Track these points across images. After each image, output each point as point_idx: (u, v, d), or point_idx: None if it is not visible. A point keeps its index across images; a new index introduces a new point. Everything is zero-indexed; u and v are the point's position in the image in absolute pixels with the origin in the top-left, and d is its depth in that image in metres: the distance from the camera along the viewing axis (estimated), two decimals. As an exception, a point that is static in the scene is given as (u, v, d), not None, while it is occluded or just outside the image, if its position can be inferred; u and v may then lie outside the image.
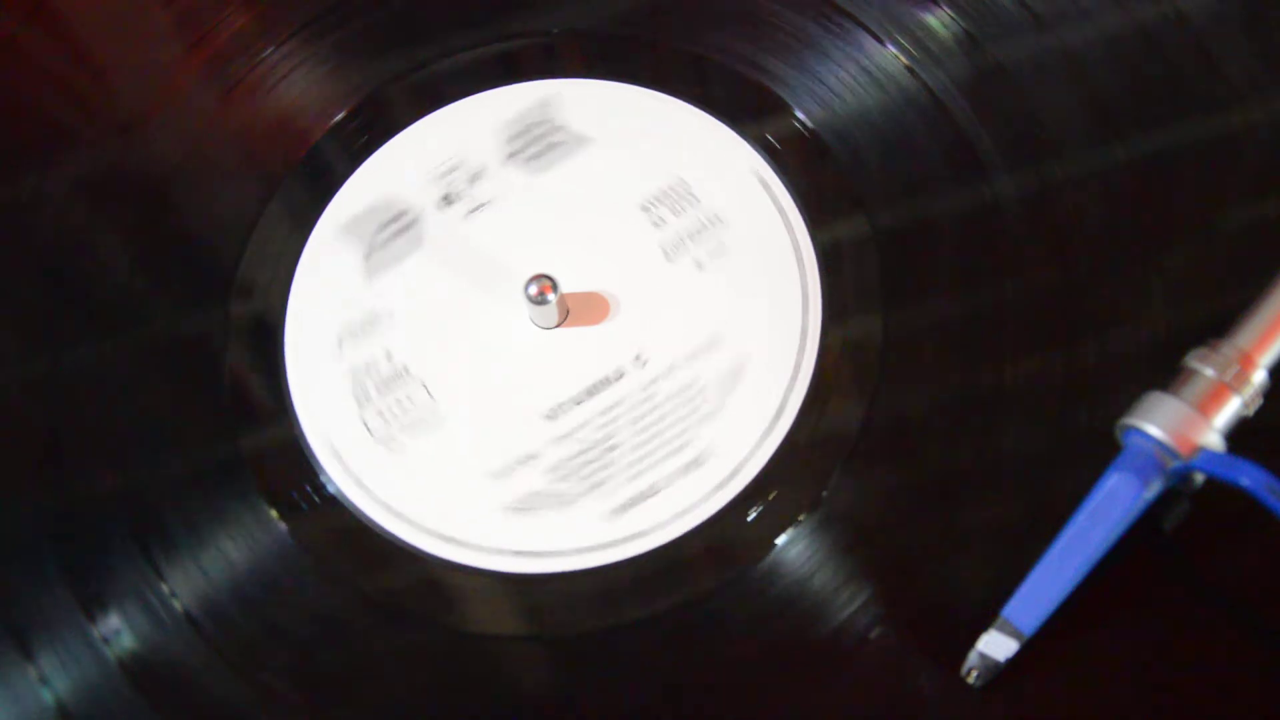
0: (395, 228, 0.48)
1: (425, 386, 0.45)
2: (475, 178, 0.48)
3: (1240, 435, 0.39)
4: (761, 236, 0.46)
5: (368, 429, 0.45)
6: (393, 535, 0.43)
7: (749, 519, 0.42)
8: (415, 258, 0.47)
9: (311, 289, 0.47)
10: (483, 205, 0.48)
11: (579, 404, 0.44)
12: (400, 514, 0.43)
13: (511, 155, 0.48)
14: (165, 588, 0.43)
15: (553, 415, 0.44)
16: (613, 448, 0.44)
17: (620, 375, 0.45)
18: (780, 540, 0.42)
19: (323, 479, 0.44)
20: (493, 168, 0.48)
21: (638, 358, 0.45)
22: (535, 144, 0.49)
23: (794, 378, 0.44)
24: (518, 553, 0.42)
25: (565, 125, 0.49)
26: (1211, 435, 0.39)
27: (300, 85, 0.51)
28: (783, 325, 0.45)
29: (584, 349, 0.45)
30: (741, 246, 0.46)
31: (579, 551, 0.42)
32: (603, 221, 0.47)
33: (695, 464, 0.43)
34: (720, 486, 0.43)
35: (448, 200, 0.48)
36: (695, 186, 0.47)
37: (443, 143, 0.49)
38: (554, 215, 0.47)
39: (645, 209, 0.47)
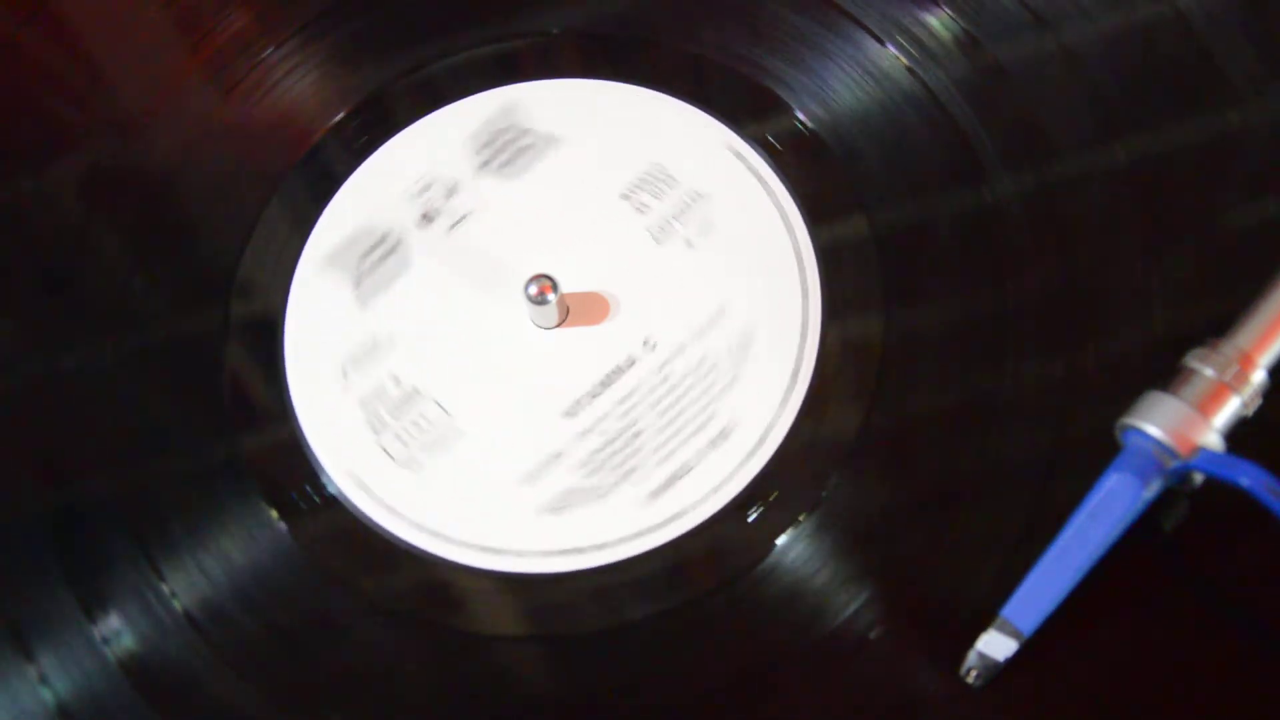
0: (384, 249, 0.47)
1: (436, 398, 0.45)
2: (466, 188, 0.48)
3: (1240, 435, 0.39)
4: (761, 238, 0.46)
5: (371, 428, 0.45)
6: (394, 536, 0.43)
7: (749, 520, 0.42)
8: (411, 265, 0.47)
9: (311, 291, 0.47)
10: (480, 213, 0.48)
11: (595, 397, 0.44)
12: (400, 514, 0.43)
13: (503, 164, 0.48)
14: (166, 588, 0.43)
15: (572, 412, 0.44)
16: (637, 434, 0.44)
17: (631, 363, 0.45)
18: (780, 540, 0.42)
19: (323, 479, 0.44)
20: (487, 177, 0.48)
21: (646, 344, 0.45)
22: (527, 149, 0.49)
23: (794, 378, 0.44)
24: (514, 553, 0.42)
25: (565, 128, 0.49)
26: (1211, 435, 0.39)
27: (300, 86, 0.51)
28: (782, 326, 0.45)
29: (586, 347, 0.45)
30: (741, 248, 0.46)
31: (580, 552, 0.42)
32: (602, 222, 0.47)
33: (715, 443, 0.43)
34: (720, 487, 0.43)
35: (427, 219, 0.48)
36: (695, 188, 0.47)
37: (434, 149, 0.49)
38: (553, 217, 0.47)
39: (645, 209, 0.47)
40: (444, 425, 0.44)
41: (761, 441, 0.43)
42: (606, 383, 0.45)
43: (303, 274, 0.47)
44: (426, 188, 0.48)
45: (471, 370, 0.45)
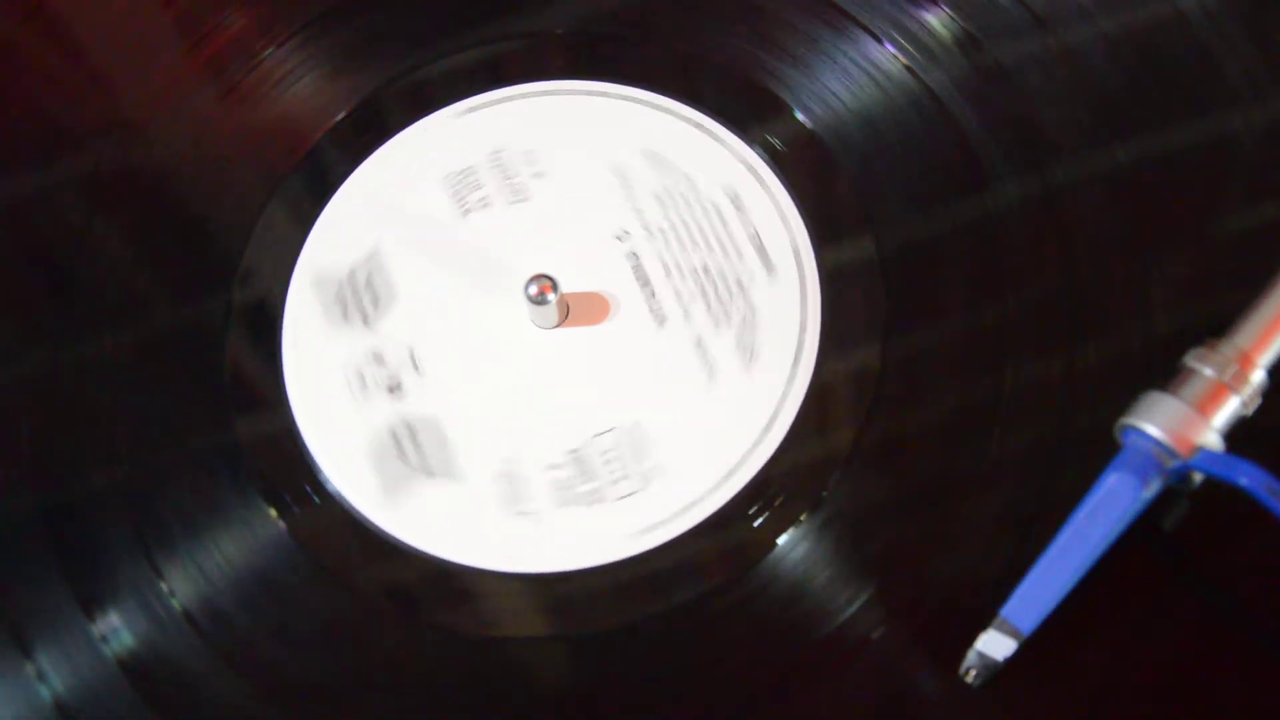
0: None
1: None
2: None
3: (1239, 435, 0.39)
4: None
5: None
6: (392, 534, 0.43)
7: (749, 519, 0.42)
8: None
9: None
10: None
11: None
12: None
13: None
14: (164, 586, 0.43)
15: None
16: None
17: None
18: (781, 540, 0.42)
19: (321, 477, 0.44)
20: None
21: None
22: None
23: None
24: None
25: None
26: (1210, 435, 0.39)
27: (300, 86, 0.51)
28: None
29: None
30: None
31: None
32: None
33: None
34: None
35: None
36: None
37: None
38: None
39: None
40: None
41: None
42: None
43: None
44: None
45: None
